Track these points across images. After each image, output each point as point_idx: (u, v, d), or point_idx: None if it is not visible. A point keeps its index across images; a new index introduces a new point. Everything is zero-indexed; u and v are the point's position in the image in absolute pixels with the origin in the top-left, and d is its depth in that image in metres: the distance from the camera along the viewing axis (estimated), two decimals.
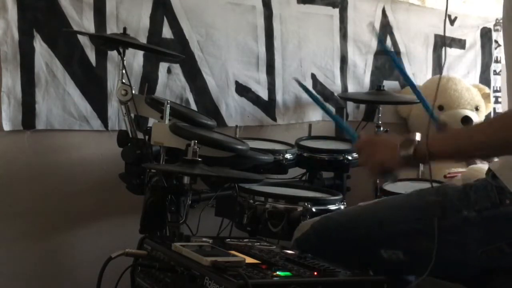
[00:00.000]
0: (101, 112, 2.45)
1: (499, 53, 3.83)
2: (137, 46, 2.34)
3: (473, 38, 3.76)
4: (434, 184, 2.19)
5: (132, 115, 2.18)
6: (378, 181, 2.80)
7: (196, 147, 1.80)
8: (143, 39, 2.50)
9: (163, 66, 2.59)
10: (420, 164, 2.67)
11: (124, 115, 2.17)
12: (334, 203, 2.21)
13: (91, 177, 2.46)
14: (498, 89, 3.88)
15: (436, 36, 3.59)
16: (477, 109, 3.37)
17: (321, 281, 1.37)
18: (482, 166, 1.67)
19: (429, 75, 3.55)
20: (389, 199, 1.81)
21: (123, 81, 2.15)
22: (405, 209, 1.61)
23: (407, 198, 1.67)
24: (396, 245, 1.59)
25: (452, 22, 3.65)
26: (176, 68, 2.63)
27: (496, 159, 1.56)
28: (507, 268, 1.52)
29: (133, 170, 2.11)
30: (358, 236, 1.66)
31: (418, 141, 1.51)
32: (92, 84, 2.43)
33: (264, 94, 2.90)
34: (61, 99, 2.36)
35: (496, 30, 3.80)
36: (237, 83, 2.81)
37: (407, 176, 2.64)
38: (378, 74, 3.33)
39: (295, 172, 2.64)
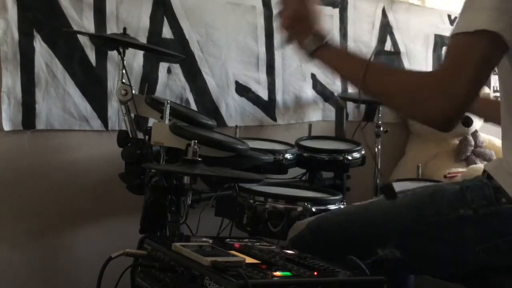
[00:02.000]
0: (101, 112, 2.45)
1: None
2: (137, 46, 2.34)
3: None
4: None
5: (132, 115, 2.18)
6: (378, 181, 2.81)
7: (196, 147, 1.80)
8: (143, 39, 2.50)
9: (163, 66, 2.59)
10: (419, 165, 2.70)
11: (124, 115, 2.17)
12: (334, 203, 2.21)
13: (91, 177, 2.46)
14: (497, 89, 3.87)
15: (436, 36, 3.59)
16: None
17: (321, 281, 1.37)
18: (482, 166, 1.68)
19: None
20: (384, 199, 1.82)
21: (123, 81, 2.15)
22: (400, 208, 1.61)
23: (403, 197, 1.68)
24: (392, 243, 1.59)
25: (452, 22, 3.65)
26: (176, 68, 2.63)
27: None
28: (505, 265, 1.53)
29: (133, 170, 2.11)
30: (354, 235, 1.66)
31: (326, 41, 1.55)
32: (92, 84, 2.43)
33: (264, 94, 2.90)
34: (61, 99, 2.36)
35: None
36: (237, 83, 2.81)
37: (407, 176, 2.65)
38: None
39: (295, 172, 2.64)
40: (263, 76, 2.89)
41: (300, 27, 1.56)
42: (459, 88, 1.34)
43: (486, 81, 1.41)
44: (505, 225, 1.46)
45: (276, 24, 1.64)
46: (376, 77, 1.47)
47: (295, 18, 1.57)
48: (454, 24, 1.41)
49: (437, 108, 1.36)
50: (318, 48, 1.54)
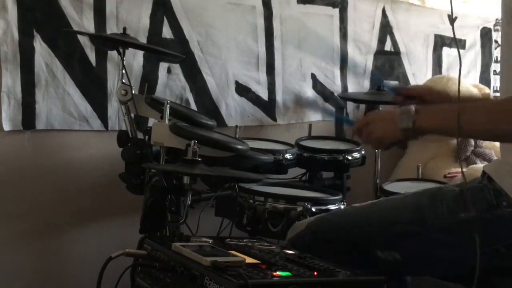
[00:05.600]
0: (101, 112, 2.45)
1: (499, 53, 3.84)
2: (137, 46, 2.34)
3: (473, 38, 3.76)
4: (434, 184, 2.19)
5: (132, 115, 2.18)
6: (378, 181, 2.81)
7: (196, 147, 1.80)
8: (143, 39, 2.50)
9: (163, 66, 2.59)
10: (419, 166, 2.70)
11: (124, 115, 2.17)
12: (334, 203, 2.21)
13: (91, 177, 2.46)
14: (498, 89, 3.88)
15: (436, 36, 3.59)
16: None
17: (321, 281, 1.37)
18: (482, 166, 1.67)
19: (429, 75, 3.56)
20: (384, 200, 1.82)
21: (123, 81, 2.15)
22: (400, 210, 1.61)
23: (403, 199, 1.67)
24: (392, 246, 1.59)
25: (452, 22, 3.64)
26: (176, 68, 2.63)
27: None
28: (505, 268, 1.53)
29: (133, 170, 2.11)
30: (353, 237, 1.65)
31: (415, 112, 1.50)
32: (92, 84, 2.43)
33: (264, 94, 2.90)
34: (61, 99, 2.36)
35: (496, 30, 3.81)
36: (237, 83, 2.81)
37: (407, 176, 2.65)
38: (378, 74, 3.33)
39: (295, 172, 2.64)
40: (263, 76, 2.89)
41: (384, 131, 1.56)
42: None
43: None
44: (506, 230, 1.45)
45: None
46: (479, 117, 1.43)
47: (378, 138, 1.58)
48: None
49: None
50: (415, 120, 1.49)
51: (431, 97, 1.76)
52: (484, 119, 1.43)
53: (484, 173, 1.52)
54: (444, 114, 1.49)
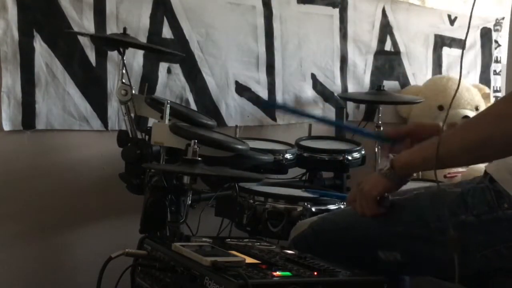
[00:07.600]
0: (101, 112, 2.45)
1: (499, 53, 3.84)
2: (138, 45, 2.33)
3: (473, 38, 3.76)
4: (434, 184, 2.18)
5: (132, 115, 2.18)
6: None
7: (196, 147, 1.80)
8: (143, 39, 2.50)
9: (163, 66, 2.59)
10: None
11: (124, 115, 2.17)
12: (334, 203, 2.21)
13: (91, 177, 2.46)
14: (498, 89, 3.88)
15: (436, 36, 3.59)
16: (477, 109, 3.37)
17: (321, 281, 1.37)
18: (482, 166, 1.66)
19: (429, 75, 3.56)
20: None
21: (123, 81, 2.15)
22: (401, 211, 1.61)
23: (405, 200, 1.67)
24: (393, 246, 1.59)
25: (452, 22, 3.65)
26: (176, 68, 2.63)
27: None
28: (505, 269, 1.52)
29: (133, 170, 2.11)
30: (355, 237, 1.65)
31: (393, 157, 1.54)
32: (92, 84, 2.43)
33: (264, 94, 2.90)
34: (61, 99, 2.36)
35: (496, 30, 3.80)
36: (237, 83, 2.81)
37: None
38: (378, 74, 3.33)
39: (295, 172, 2.64)
40: (263, 76, 2.89)
41: (370, 185, 1.57)
42: None
43: None
44: (507, 231, 1.45)
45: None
46: (452, 138, 1.42)
47: (365, 195, 1.58)
48: None
49: None
50: (392, 161, 1.53)
51: (420, 130, 1.74)
52: (458, 146, 1.42)
53: (486, 173, 1.52)
54: (420, 149, 1.50)
